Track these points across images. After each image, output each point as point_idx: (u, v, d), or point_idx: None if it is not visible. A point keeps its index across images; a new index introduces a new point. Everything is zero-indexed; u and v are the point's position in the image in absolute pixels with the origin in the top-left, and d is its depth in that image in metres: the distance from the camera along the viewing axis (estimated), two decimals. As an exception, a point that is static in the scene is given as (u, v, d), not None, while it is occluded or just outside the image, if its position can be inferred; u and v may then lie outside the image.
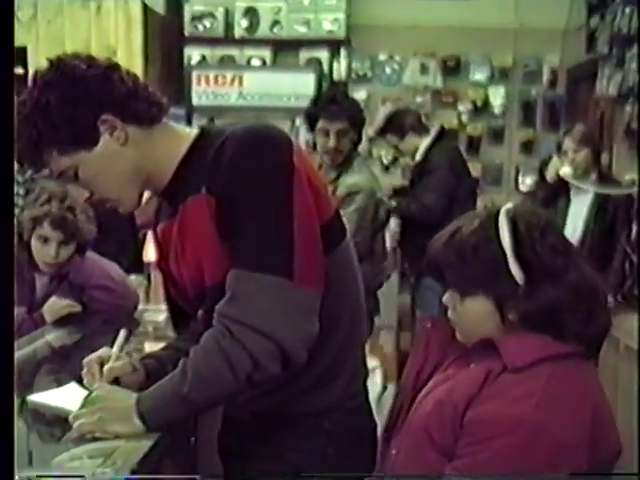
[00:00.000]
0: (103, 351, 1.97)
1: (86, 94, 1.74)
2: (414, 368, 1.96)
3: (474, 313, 1.79)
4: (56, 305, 3.07)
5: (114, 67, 1.80)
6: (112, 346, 1.97)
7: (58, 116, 1.72)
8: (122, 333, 2.00)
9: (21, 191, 4.11)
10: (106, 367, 1.91)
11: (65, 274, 3.11)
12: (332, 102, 4.09)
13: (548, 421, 1.63)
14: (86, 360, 1.96)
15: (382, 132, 5.23)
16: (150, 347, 2.58)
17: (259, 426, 1.89)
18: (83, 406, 1.79)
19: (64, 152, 1.76)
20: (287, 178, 1.70)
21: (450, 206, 4.63)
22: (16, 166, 1.80)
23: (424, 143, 5.03)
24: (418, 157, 5.05)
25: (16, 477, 1.45)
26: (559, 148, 4.30)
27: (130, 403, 1.75)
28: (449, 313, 1.84)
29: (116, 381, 1.91)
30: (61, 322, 3.04)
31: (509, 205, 1.82)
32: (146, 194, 1.91)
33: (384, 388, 4.86)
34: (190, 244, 1.79)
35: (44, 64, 1.78)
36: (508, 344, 1.73)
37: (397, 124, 5.09)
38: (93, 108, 1.74)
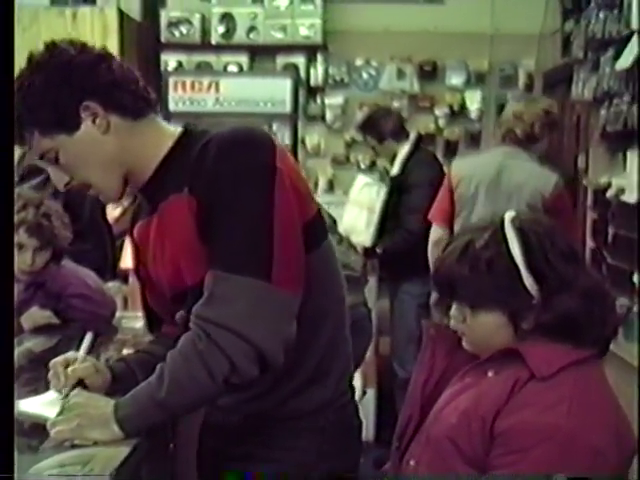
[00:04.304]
0: (70, 354, 1.97)
1: (70, 79, 1.76)
2: (421, 376, 1.95)
3: (487, 326, 1.79)
4: (35, 315, 3.06)
5: (105, 56, 1.82)
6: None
7: (40, 98, 1.75)
8: (88, 336, 2.01)
9: None
10: (69, 369, 1.91)
11: (42, 282, 3.10)
12: None
13: (581, 427, 1.66)
14: (52, 363, 1.96)
15: (362, 131, 5.24)
16: (128, 354, 2.57)
17: (253, 429, 1.89)
18: (60, 413, 1.78)
19: (45, 133, 1.78)
20: (268, 181, 1.71)
21: None
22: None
23: (401, 153, 5.03)
24: (395, 170, 5.03)
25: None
26: None
27: (108, 410, 1.74)
28: (457, 325, 1.84)
29: (82, 384, 1.90)
30: (39, 330, 3.03)
31: (512, 213, 1.83)
32: (125, 203, 1.92)
33: (363, 393, 4.88)
34: (169, 243, 1.79)
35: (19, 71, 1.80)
36: (534, 353, 1.74)
37: (377, 127, 5.09)
38: (76, 93, 1.77)
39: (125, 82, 1.82)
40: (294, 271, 1.74)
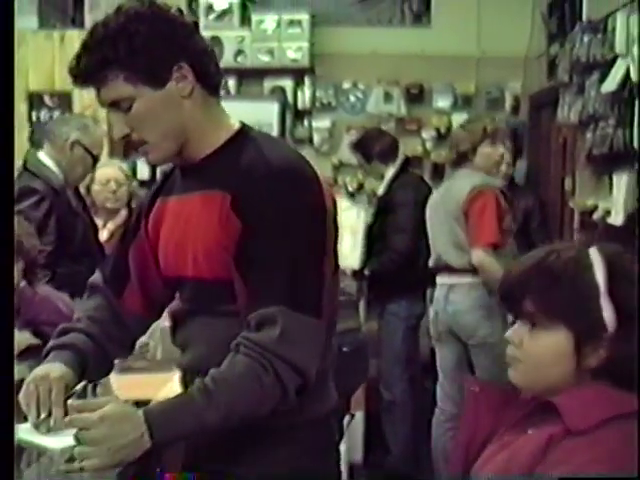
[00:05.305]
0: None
1: (174, 36, 1.81)
2: (464, 437, 1.80)
3: (548, 349, 1.62)
4: (17, 338, 3.03)
5: (198, 26, 1.89)
6: None
7: (142, 46, 1.78)
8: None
9: None
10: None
11: (16, 309, 3.07)
12: None
13: None
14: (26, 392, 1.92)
15: (355, 150, 5.32)
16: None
17: (235, 443, 1.87)
18: (83, 443, 1.67)
19: (131, 81, 1.80)
20: (321, 221, 1.80)
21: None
22: None
23: (388, 175, 5.09)
24: (381, 190, 5.11)
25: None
26: None
27: (140, 431, 1.67)
28: (511, 349, 1.67)
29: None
30: (20, 356, 3.00)
31: (600, 245, 1.65)
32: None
33: (351, 416, 4.86)
34: (193, 234, 1.85)
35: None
36: (570, 404, 1.57)
37: (366, 147, 5.16)
38: (175, 51, 1.81)
39: (212, 55, 1.90)
40: (329, 304, 1.82)
